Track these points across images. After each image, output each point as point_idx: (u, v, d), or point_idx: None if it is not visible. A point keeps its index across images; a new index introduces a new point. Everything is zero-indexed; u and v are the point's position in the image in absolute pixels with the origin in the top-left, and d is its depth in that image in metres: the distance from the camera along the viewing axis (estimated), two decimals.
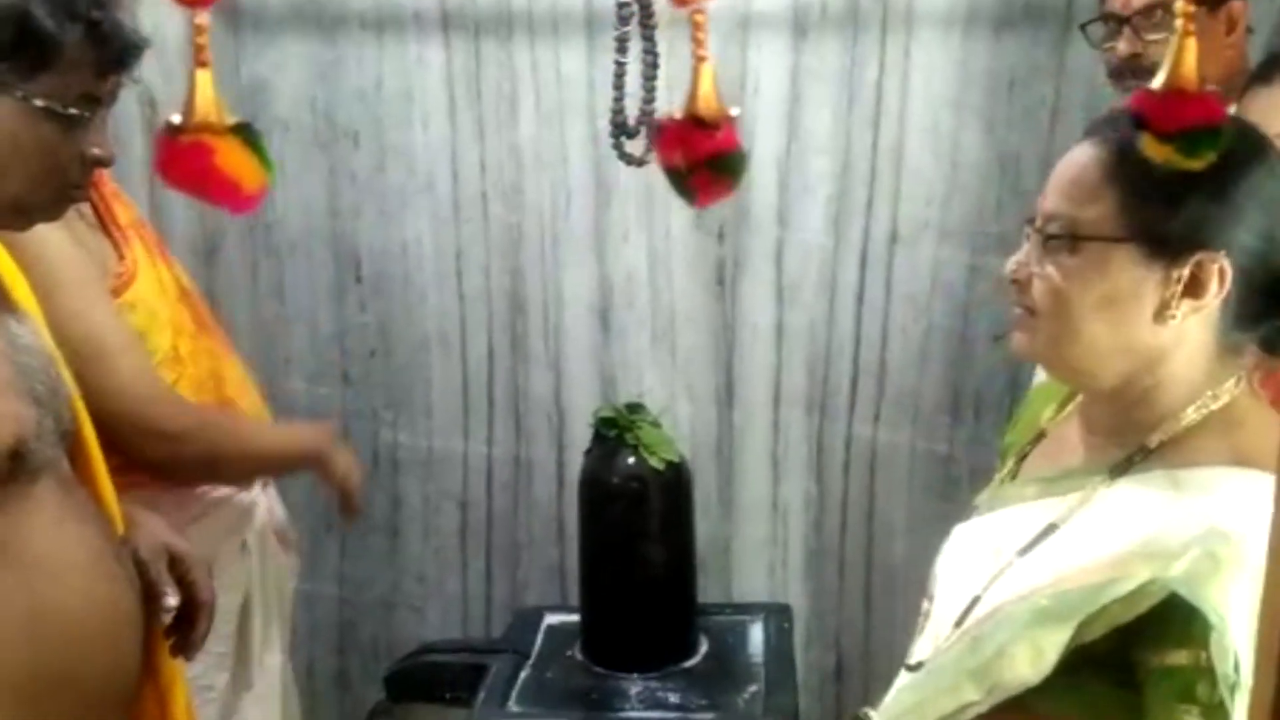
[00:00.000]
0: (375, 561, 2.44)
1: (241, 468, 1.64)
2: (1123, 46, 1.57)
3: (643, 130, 1.93)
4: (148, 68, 1.20)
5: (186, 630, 1.24)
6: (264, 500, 1.74)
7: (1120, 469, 0.97)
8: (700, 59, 0.52)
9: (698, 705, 1.83)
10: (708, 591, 2.14)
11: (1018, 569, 0.97)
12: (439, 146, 2.23)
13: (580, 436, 2.26)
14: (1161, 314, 0.95)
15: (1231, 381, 0.96)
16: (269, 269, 2.30)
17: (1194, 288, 0.94)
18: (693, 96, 0.52)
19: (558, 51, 2.18)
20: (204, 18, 0.44)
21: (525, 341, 2.32)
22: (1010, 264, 1.02)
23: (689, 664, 1.94)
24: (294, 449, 1.71)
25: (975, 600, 0.99)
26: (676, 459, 1.92)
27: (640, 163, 1.95)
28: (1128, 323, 0.96)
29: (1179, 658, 0.83)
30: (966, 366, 2.27)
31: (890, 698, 1.07)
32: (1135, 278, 0.95)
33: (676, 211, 2.24)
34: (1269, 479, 0.88)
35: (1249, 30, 1.59)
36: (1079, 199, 0.98)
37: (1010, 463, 1.14)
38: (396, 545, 2.43)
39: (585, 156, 2.22)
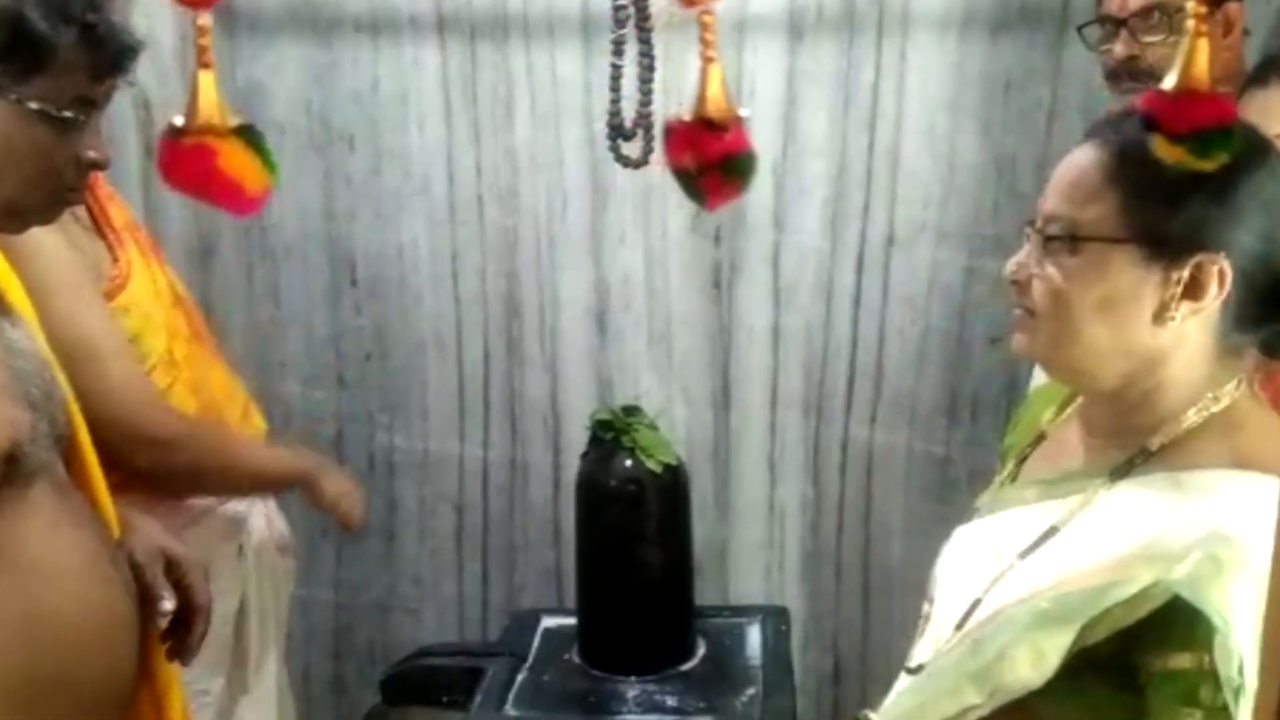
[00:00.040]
0: (371, 565, 2.43)
1: (227, 481, 1.63)
2: (1120, 49, 1.57)
3: (639, 133, 1.93)
4: (142, 70, 1.19)
5: (183, 634, 1.24)
6: (262, 508, 1.73)
7: (1121, 471, 0.97)
8: (709, 60, 0.52)
9: (695, 708, 1.83)
10: (704, 594, 2.13)
11: (1019, 572, 0.97)
12: (434, 149, 2.23)
13: (576, 439, 2.25)
14: (1161, 315, 0.94)
15: (1232, 384, 0.96)
16: (264, 272, 2.30)
17: (1193, 289, 0.94)
18: (701, 98, 0.52)
19: (553, 54, 2.18)
20: (206, 19, 0.44)
21: (521, 344, 2.31)
22: (1010, 265, 1.02)
23: (686, 667, 1.93)
24: (282, 470, 1.69)
25: (976, 603, 0.98)
26: (674, 461, 1.92)
27: (637, 165, 1.95)
28: (1127, 324, 0.95)
29: (1182, 661, 0.83)
30: (963, 368, 2.27)
31: (890, 700, 1.07)
32: (1135, 279, 0.95)
33: (673, 214, 2.23)
34: (1270, 481, 0.88)
35: (1245, 32, 1.59)
36: (1079, 200, 0.97)
37: (1010, 465, 1.14)
38: (392, 549, 2.43)
39: (581, 159, 2.22)
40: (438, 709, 1.97)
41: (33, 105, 1.05)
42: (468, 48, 2.18)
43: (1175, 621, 0.83)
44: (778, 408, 2.31)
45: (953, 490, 2.31)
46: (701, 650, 1.98)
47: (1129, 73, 1.57)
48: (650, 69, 1.88)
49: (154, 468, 1.47)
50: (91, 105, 1.12)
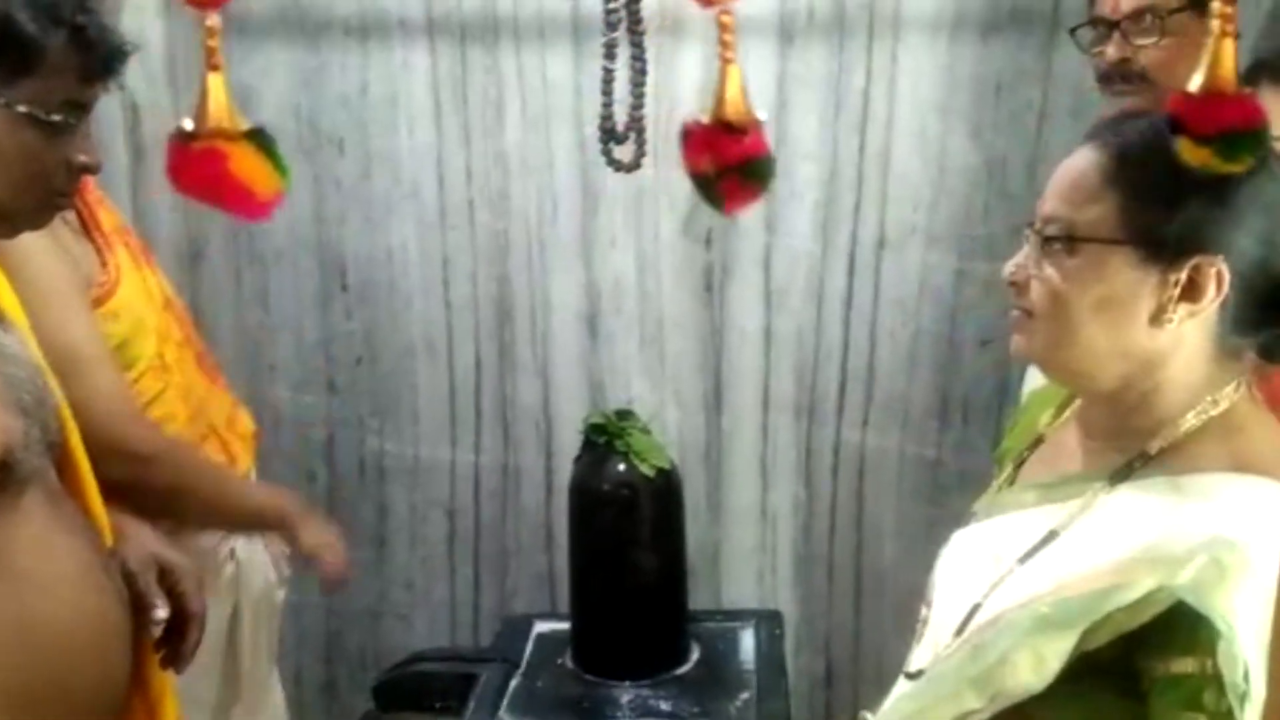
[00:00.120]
0: (362, 570, 2.41)
1: (204, 509, 1.56)
2: (1112, 51, 1.57)
3: (631, 136, 1.93)
4: (130, 73, 1.18)
5: (176, 642, 1.23)
6: None
7: (1121, 475, 0.96)
8: (727, 61, 0.51)
9: (690, 713, 1.83)
10: (697, 598, 2.13)
11: (1018, 576, 0.97)
12: (424, 153, 2.22)
13: (568, 443, 2.25)
14: (1158, 317, 0.95)
15: (1231, 387, 0.96)
16: (253, 276, 2.29)
17: (1191, 291, 0.94)
18: (720, 100, 0.51)
19: (544, 57, 2.17)
20: (215, 19, 0.43)
21: (513, 348, 2.31)
22: (1009, 266, 1.02)
23: (680, 671, 1.93)
24: (262, 507, 1.62)
25: (976, 608, 0.98)
26: (667, 465, 1.91)
27: (629, 169, 1.94)
28: (1124, 325, 0.95)
29: (1185, 665, 0.83)
30: (954, 371, 2.27)
31: (889, 705, 1.07)
32: (1132, 280, 0.95)
33: (664, 217, 2.23)
34: (1270, 485, 0.88)
35: (1237, 35, 1.60)
36: (1078, 201, 0.97)
37: (1008, 468, 1.14)
38: (384, 554, 2.42)
39: (572, 162, 2.21)
40: (430, 715, 1.96)
41: (21, 109, 1.04)
42: (458, 51, 2.17)
43: (1178, 626, 0.83)
44: (769, 411, 2.31)
45: (944, 493, 2.31)
46: (695, 654, 1.98)
47: (1121, 75, 1.57)
48: (642, 72, 1.87)
49: (130, 483, 1.36)
50: (81, 109, 1.11)
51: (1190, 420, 0.95)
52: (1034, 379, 1.67)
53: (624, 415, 1.95)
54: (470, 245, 2.26)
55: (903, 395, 2.29)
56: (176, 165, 0.45)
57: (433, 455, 2.37)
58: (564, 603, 2.14)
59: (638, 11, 1.87)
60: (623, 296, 2.27)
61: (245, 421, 1.76)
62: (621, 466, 1.88)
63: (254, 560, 1.72)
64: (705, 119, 0.51)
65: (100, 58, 1.09)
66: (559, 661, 1.98)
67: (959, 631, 0.99)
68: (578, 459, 1.96)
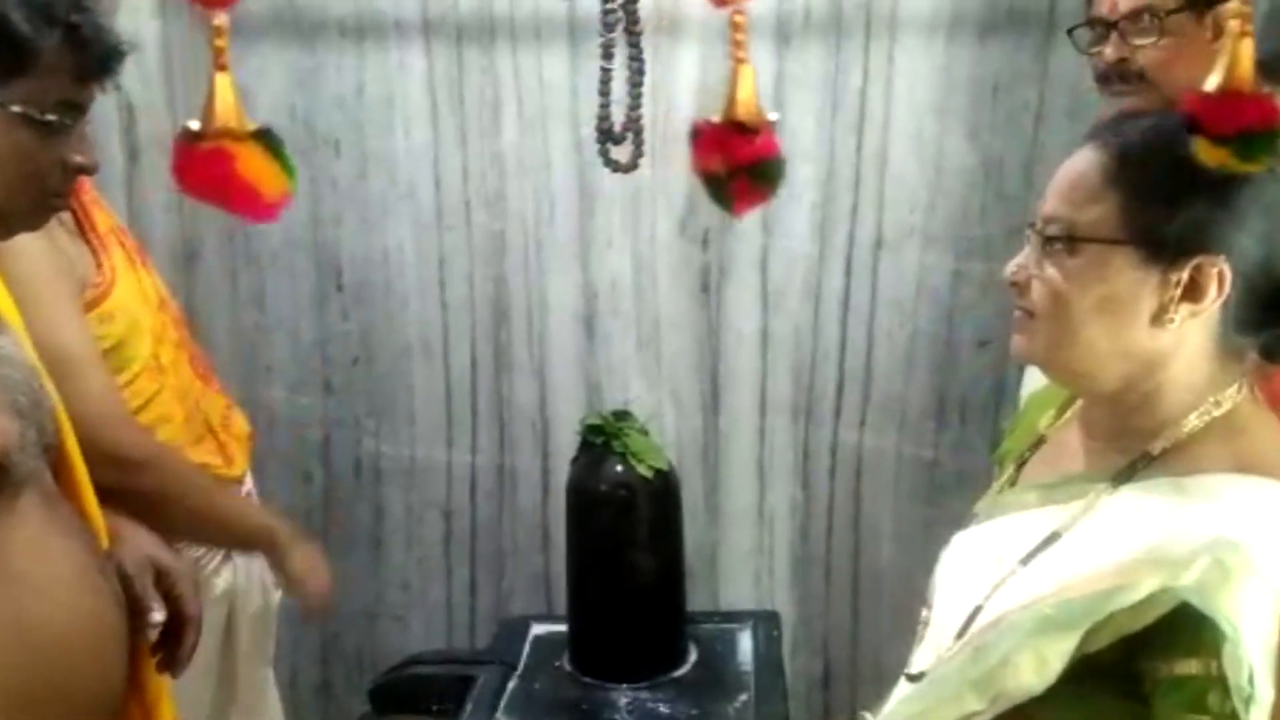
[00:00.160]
0: (358, 571, 2.41)
1: (190, 520, 1.52)
2: (1110, 51, 1.56)
3: (629, 137, 1.92)
4: (125, 73, 1.17)
5: (173, 646, 1.22)
6: None
7: (1123, 476, 0.96)
8: (739, 61, 0.50)
9: (688, 715, 1.82)
10: (694, 599, 2.12)
11: (1020, 577, 0.96)
12: (421, 153, 2.21)
13: (565, 444, 2.24)
14: (1160, 317, 0.94)
15: (1233, 388, 0.96)
16: (249, 277, 2.28)
17: (1193, 291, 0.93)
18: (731, 100, 0.51)
19: (540, 57, 2.17)
20: (223, 18, 0.43)
21: (509, 349, 2.30)
22: (1010, 266, 1.02)
23: (678, 673, 1.92)
24: (250, 526, 1.59)
25: (977, 609, 0.98)
26: (665, 467, 1.91)
27: (627, 169, 1.94)
28: (1126, 326, 0.95)
29: (1188, 667, 0.82)
30: (951, 371, 2.27)
31: (890, 707, 1.06)
32: (1133, 280, 0.94)
33: (661, 218, 2.23)
34: (1273, 486, 0.88)
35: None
36: (1079, 202, 0.97)
37: (1009, 469, 1.14)
38: (380, 555, 2.41)
39: (569, 163, 2.21)
40: (427, 718, 1.95)
41: (15, 109, 1.03)
42: (454, 51, 2.17)
43: (1181, 628, 0.82)
44: (767, 412, 2.31)
45: (941, 493, 2.31)
46: (693, 656, 1.97)
47: (1119, 75, 1.56)
48: (640, 73, 1.87)
49: (118, 488, 1.32)
50: (77, 109, 1.10)
51: (1193, 421, 0.95)
52: (1032, 380, 1.67)
53: (621, 416, 1.94)
54: (467, 246, 2.25)
55: (900, 396, 2.29)
56: (182, 165, 0.45)
57: (429, 456, 2.36)
58: (560, 604, 2.14)
59: (635, 12, 1.86)
60: (619, 297, 2.27)
61: (241, 423, 1.76)
62: (619, 467, 1.87)
63: (250, 562, 1.71)
64: (715, 118, 0.50)
65: (95, 57, 1.08)
66: (556, 664, 1.97)
67: (960, 633, 0.99)
68: (575, 460, 1.96)
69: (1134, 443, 0.97)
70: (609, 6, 1.81)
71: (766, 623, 2.10)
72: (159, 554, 1.22)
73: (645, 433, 1.94)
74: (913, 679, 1.04)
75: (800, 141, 2.17)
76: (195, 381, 1.65)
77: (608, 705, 1.85)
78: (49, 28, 1.03)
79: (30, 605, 1.00)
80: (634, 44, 1.86)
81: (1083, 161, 0.99)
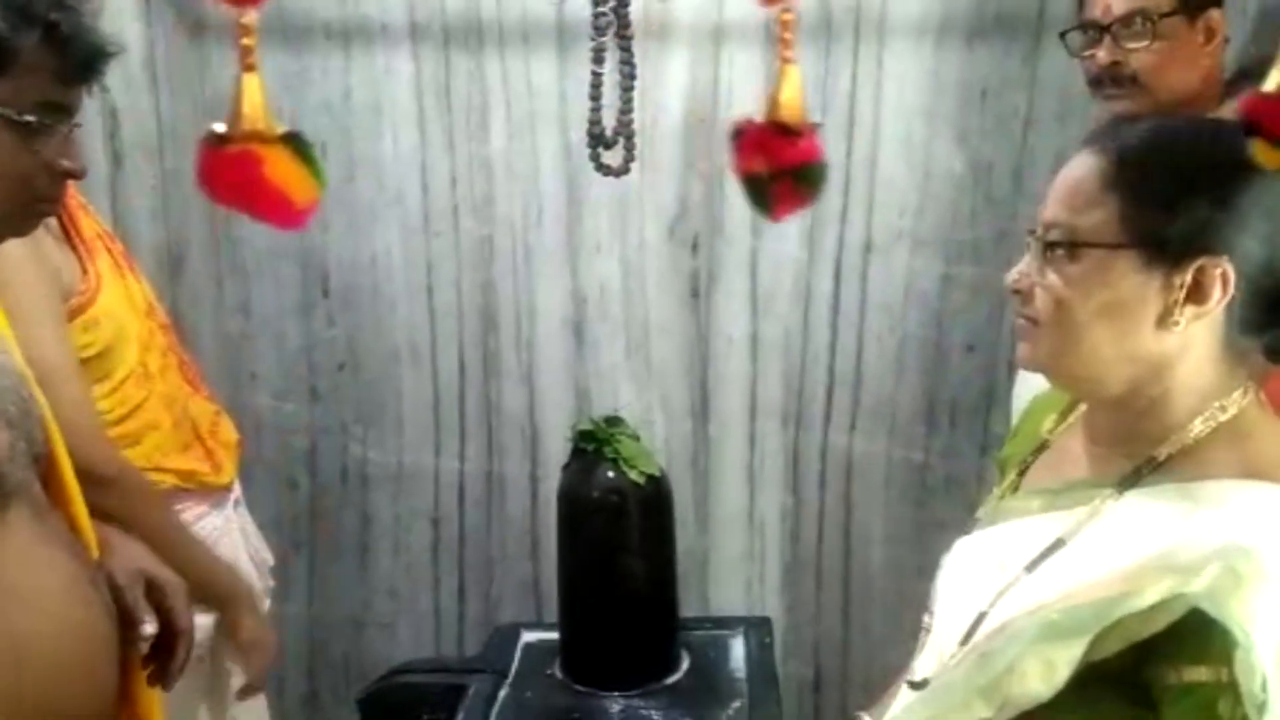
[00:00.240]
0: (345, 579, 2.39)
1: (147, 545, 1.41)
2: (1103, 55, 1.56)
3: (620, 141, 1.91)
4: (108, 77, 1.15)
5: (164, 659, 1.20)
6: (238, 524, 1.70)
7: (1129, 482, 0.96)
8: (786, 61, 0.49)
9: None
10: (685, 605, 2.11)
11: (1025, 584, 0.96)
12: (408, 158, 2.20)
13: (554, 451, 2.23)
14: (1165, 321, 0.94)
15: (1239, 392, 0.95)
16: (234, 283, 2.26)
17: (1197, 293, 0.93)
18: (774, 101, 0.49)
19: (528, 62, 2.16)
20: (251, 16, 0.41)
21: (497, 355, 2.29)
22: (1012, 274, 1.01)
23: (671, 680, 1.91)
24: (207, 577, 1.52)
25: (982, 616, 0.97)
26: (657, 473, 1.90)
27: (618, 173, 1.93)
28: (1131, 330, 0.95)
29: (1198, 674, 0.81)
30: (941, 375, 2.27)
31: (895, 715, 1.05)
32: (1137, 284, 0.94)
33: (649, 222, 2.22)
34: None
35: (1225, 40, 1.60)
36: (1079, 207, 0.97)
37: (1011, 475, 1.13)
38: (367, 563, 2.39)
39: (557, 168, 2.20)
40: None
41: None
42: (441, 55, 2.16)
43: (1190, 634, 0.82)
44: (756, 417, 2.30)
45: (931, 497, 2.31)
46: (685, 663, 1.96)
47: (1112, 78, 1.57)
48: (631, 77, 1.86)
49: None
50: (60, 110, 1.07)
51: (1199, 426, 0.95)
52: (1025, 384, 1.67)
53: (613, 422, 1.93)
54: (454, 251, 2.24)
55: (890, 400, 2.29)
56: (208, 169, 0.43)
57: (416, 462, 2.35)
58: (549, 612, 2.12)
59: (626, 16, 1.86)
60: (608, 302, 2.26)
61: (229, 430, 1.74)
62: (610, 474, 1.86)
63: (238, 570, 1.69)
64: (759, 119, 0.49)
65: (77, 57, 1.06)
66: (548, 672, 1.96)
67: (965, 640, 0.98)
68: (566, 466, 1.94)
69: (1139, 448, 0.97)
70: (600, 10, 1.80)
71: (759, 628, 2.09)
72: (151, 566, 1.20)
73: (637, 438, 1.93)
74: (916, 686, 1.03)
75: None
76: (184, 388, 1.63)
77: (601, 713, 1.84)
78: (27, 26, 1.00)
79: (20, 617, 0.98)
80: (625, 48, 1.86)
81: (1081, 167, 0.99)
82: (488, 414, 2.32)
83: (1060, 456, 1.08)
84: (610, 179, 1.91)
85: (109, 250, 1.53)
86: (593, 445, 1.88)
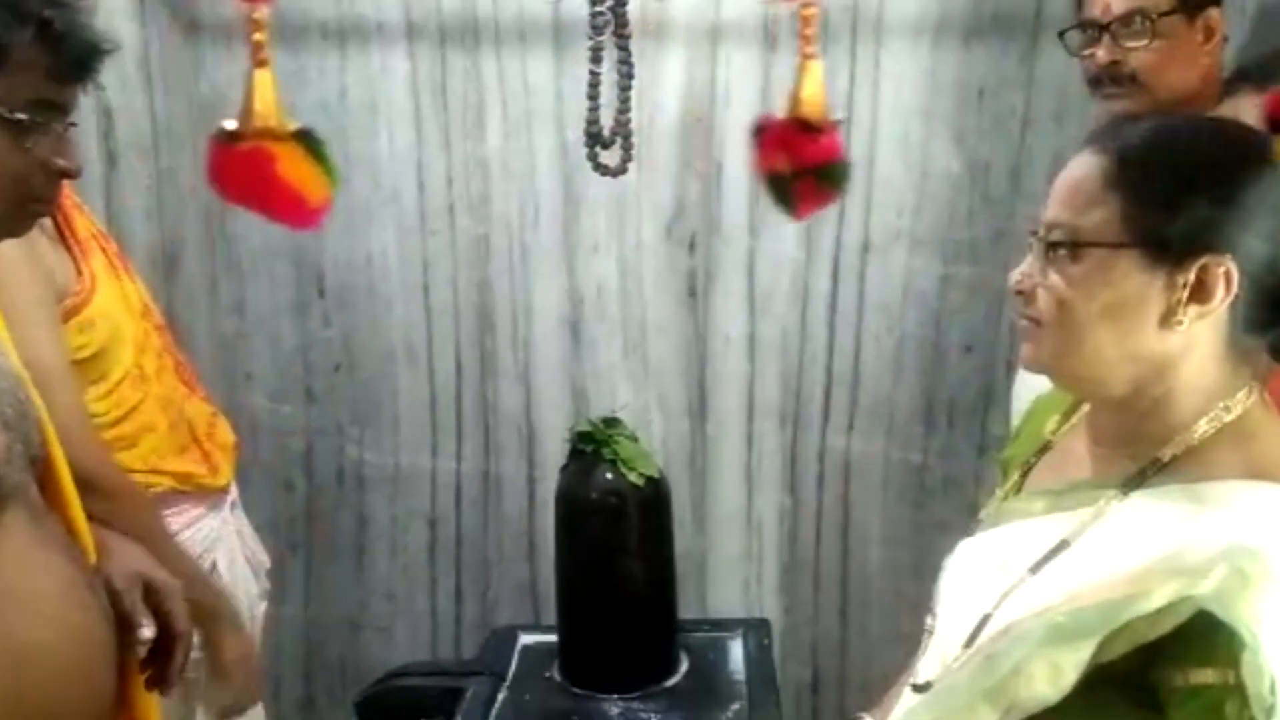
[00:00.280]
0: (342, 581, 2.39)
1: None
2: (1102, 54, 1.56)
3: (618, 140, 1.91)
4: (103, 76, 1.14)
5: (163, 662, 1.19)
6: (234, 522, 1.69)
7: (1133, 483, 0.95)
8: (808, 57, 0.49)
9: None
10: (683, 607, 2.11)
11: (1030, 585, 0.95)
12: (404, 157, 2.19)
13: (551, 451, 2.22)
14: (1168, 320, 0.93)
15: (1243, 392, 0.95)
16: (229, 283, 2.25)
17: (1200, 292, 0.92)
18: (796, 98, 0.49)
19: (525, 61, 2.15)
20: (263, 11, 0.41)
21: (494, 355, 2.28)
22: (1014, 275, 1.01)
23: (670, 683, 1.91)
24: (189, 588, 1.41)
25: (986, 618, 0.96)
26: (655, 474, 1.89)
27: (616, 173, 1.92)
28: (1134, 330, 0.94)
29: (1205, 676, 0.81)
30: (939, 375, 2.27)
31: (897, 718, 1.05)
32: (1139, 284, 0.93)
33: (646, 222, 2.21)
34: None
35: (1224, 39, 1.60)
36: (1080, 207, 0.96)
37: (1014, 476, 1.12)
38: (363, 564, 2.38)
39: (554, 167, 2.19)
40: None
41: None
42: (438, 54, 2.15)
43: (1197, 636, 0.81)
44: (754, 417, 2.30)
45: (929, 497, 2.31)
46: (684, 665, 1.96)
47: (1111, 77, 1.57)
48: (629, 76, 1.86)
49: None
50: (55, 109, 1.06)
51: (1203, 427, 0.94)
52: (1024, 384, 1.67)
53: (612, 423, 1.93)
54: (451, 250, 2.23)
55: (887, 400, 2.29)
56: (219, 167, 0.42)
57: (413, 463, 2.34)
58: (547, 613, 2.12)
59: (624, 15, 1.85)
60: (605, 302, 2.25)
61: (226, 432, 1.73)
62: (609, 475, 1.86)
63: (235, 572, 1.68)
64: (780, 115, 0.48)
65: (71, 55, 1.05)
66: (546, 674, 1.95)
67: (969, 642, 0.98)
68: (565, 467, 1.94)
69: (1143, 449, 0.96)
70: (597, 10, 1.80)
71: (757, 630, 2.09)
72: (148, 569, 1.19)
73: (635, 439, 1.92)
74: (919, 689, 1.03)
75: None
76: (180, 389, 1.62)
77: (599, 716, 1.84)
78: (20, 24, 0.99)
79: (17, 621, 0.98)
80: (623, 47, 1.85)
81: (1082, 166, 0.98)
82: (484, 414, 2.31)
83: (1063, 457, 1.08)
84: (607, 178, 1.91)
85: (104, 250, 1.52)
86: (591, 447, 1.88)
